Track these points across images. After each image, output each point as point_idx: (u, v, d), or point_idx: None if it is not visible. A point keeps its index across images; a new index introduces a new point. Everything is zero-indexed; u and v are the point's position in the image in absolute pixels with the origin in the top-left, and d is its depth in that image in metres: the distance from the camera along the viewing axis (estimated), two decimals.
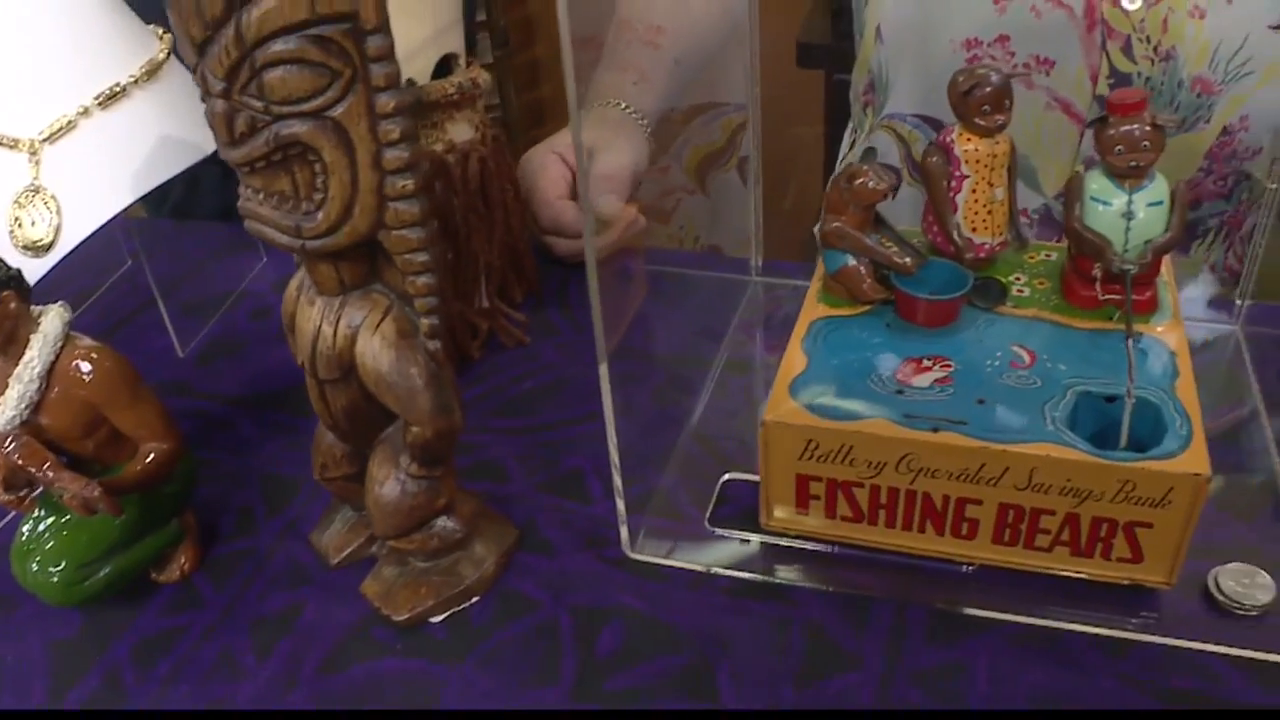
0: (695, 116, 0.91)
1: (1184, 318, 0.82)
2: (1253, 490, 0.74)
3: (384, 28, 0.52)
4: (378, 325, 0.60)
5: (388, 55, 0.53)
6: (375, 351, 0.60)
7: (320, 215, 0.56)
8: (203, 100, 0.54)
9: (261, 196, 0.57)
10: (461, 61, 0.81)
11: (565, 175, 0.91)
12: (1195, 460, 0.61)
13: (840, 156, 1.21)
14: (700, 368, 0.85)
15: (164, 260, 1.05)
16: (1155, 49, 0.94)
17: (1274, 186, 0.84)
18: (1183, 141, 0.98)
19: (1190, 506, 0.61)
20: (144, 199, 1.26)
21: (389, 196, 0.55)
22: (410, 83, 0.76)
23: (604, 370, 0.61)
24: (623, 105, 0.98)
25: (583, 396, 0.63)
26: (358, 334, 0.60)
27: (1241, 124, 0.97)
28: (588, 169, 0.87)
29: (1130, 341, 0.64)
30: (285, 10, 0.50)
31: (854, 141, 1.17)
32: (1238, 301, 0.87)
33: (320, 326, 0.61)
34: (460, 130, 0.80)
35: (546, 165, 0.91)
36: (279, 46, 0.51)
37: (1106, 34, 0.94)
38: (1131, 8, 0.93)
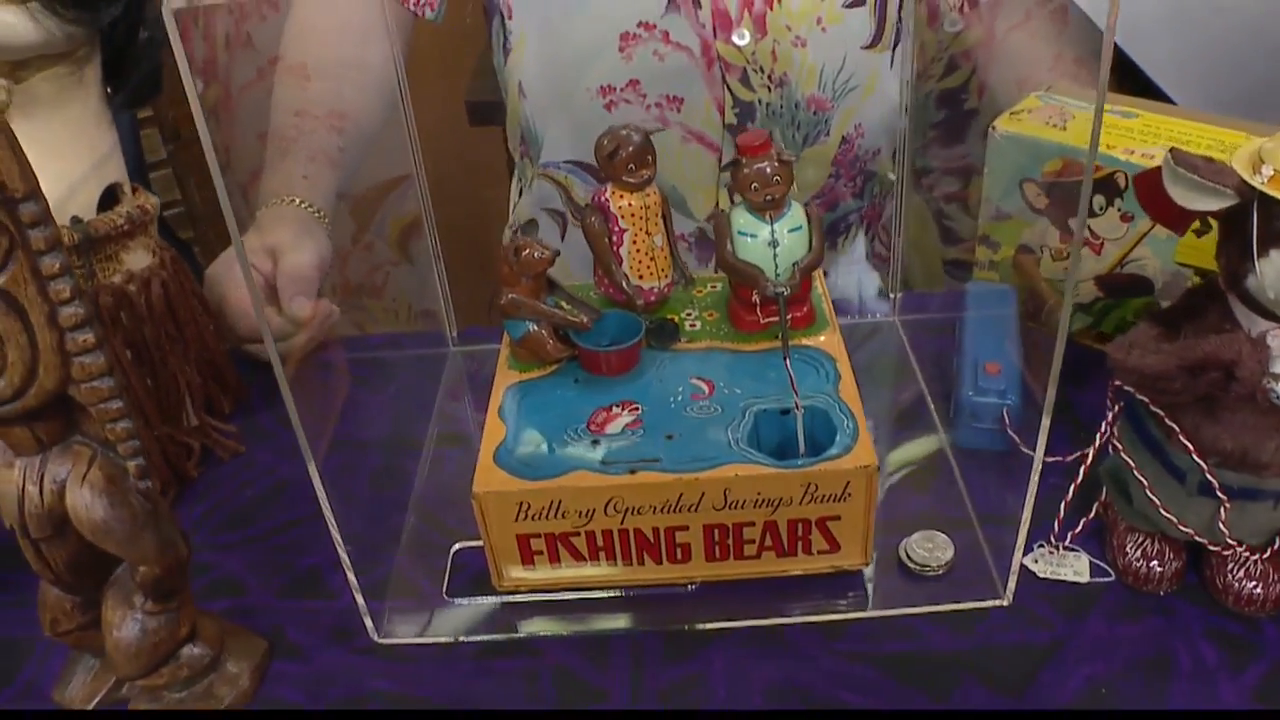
0: (391, 190, 0.93)
1: (852, 317, 0.90)
2: (925, 464, 0.83)
3: (34, 194, 0.54)
4: (84, 476, 0.60)
5: (43, 219, 0.54)
6: (88, 502, 0.60)
7: (3, 381, 0.56)
8: None
9: None
10: (127, 189, 0.82)
11: (256, 280, 0.91)
12: (863, 454, 0.68)
13: (511, 206, 1.26)
14: (414, 445, 0.88)
15: None
16: (770, 77, 1.04)
17: (893, 178, 0.94)
18: (812, 154, 1.09)
19: (867, 494, 0.69)
20: None
21: (71, 352, 0.57)
22: (76, 220, 0.77)
23: (314, 469, 0.64)
24: (296, 201, 0.99)
25: (305, 495, 0.65)
26: (65, 488, 0.61)
27: (858, 132, 1.08)
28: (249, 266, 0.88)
29: (788, 360, 0.70)
30: None
31: (521, 190, 1.22)
32: (891, 295, 0.96)
33: (25, 487, 0.61)
34: (137, 258, 0.81)
35: (235, 273, 0.91)
36: None
37: (725, 69, 1.03)
38: (742, 43, 1.02)
